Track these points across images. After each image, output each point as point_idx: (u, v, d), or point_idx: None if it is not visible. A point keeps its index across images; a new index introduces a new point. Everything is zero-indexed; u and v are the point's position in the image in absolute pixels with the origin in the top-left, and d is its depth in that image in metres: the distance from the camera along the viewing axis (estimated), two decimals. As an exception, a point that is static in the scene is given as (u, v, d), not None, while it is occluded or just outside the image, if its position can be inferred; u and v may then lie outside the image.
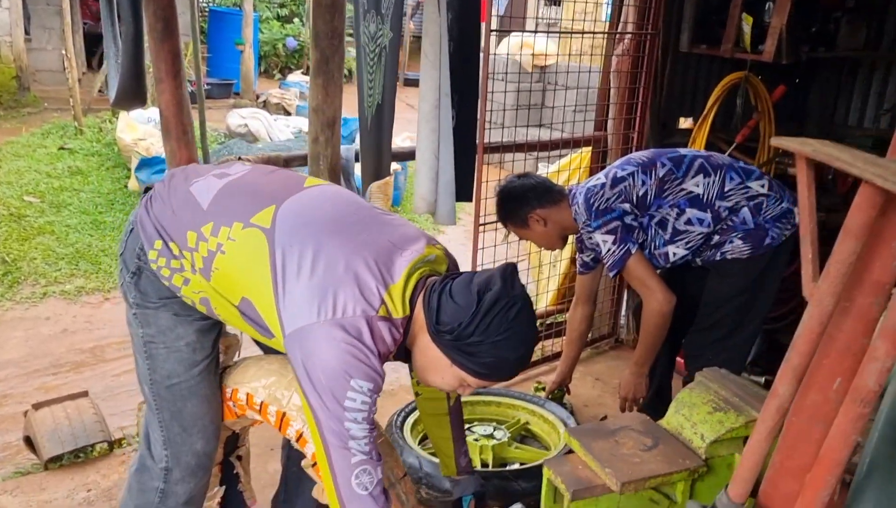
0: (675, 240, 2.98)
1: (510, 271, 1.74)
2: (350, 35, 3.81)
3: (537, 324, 1.84)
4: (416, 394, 2.26)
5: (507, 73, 5.83)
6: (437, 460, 2.90)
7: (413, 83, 11.50)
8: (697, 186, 2.92)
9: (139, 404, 2.87)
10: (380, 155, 3.27)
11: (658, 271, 3.02)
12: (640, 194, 2.95)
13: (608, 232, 2.92)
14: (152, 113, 7.55)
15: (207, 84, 10.99)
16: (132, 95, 2.98)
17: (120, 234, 5.98)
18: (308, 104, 3.17)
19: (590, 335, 4.04)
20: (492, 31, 3.67)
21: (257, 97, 11.51)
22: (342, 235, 1.76)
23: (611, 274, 3.01)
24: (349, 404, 1.64)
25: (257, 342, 2.17)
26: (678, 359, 3.61)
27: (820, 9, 4.22)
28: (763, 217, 2.90)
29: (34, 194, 6.75)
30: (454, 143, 3.30)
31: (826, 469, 1.22)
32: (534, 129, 6.98)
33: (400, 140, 6.21)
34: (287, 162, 3.30)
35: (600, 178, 3.02)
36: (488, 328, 1.68)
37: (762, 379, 3.86)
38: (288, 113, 10.64)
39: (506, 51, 7.73)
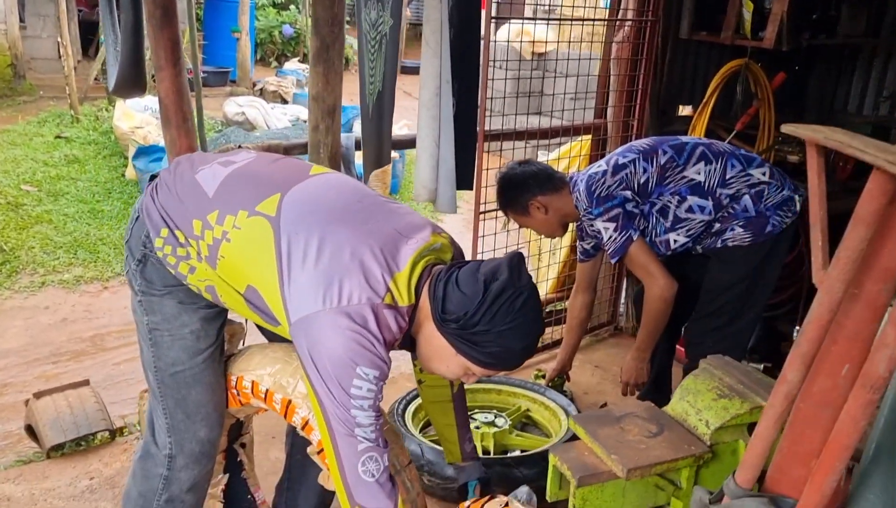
0: (675, 227, 2.98)
1: (517, 260, 1.74)
2: (349, 23, 3.80)
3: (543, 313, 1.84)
4: (419, 382, 2.26)
5: (507, 60, 5.81)
6: (439, 447, 2.92)
7: (410, 71, 11.46)
8: (699, 173, 2.92)
9: (141, 392, 2.87)
10: (381, 143, 3.27)
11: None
12: (642, 181, 2.95)
13: (609, 219, 2.92)
14: (149, 101, 7.52)
15: (204, 72, 10.95)
16: (131, 82, 2.98)
17: (118, 222, 6.00)
18: (308, 92, 3.16)
19: (589, 323, 4.04)
20: (492, 18, 3.65)
21: (254, 85, 11.45)
22: (347, 223, 1.76)
23: (612, 261, 3.01)
24: (355, 391, 1.64)
25: (262, 330, 2.17)
26: (678, 347, 3.63)
27: (821, -5, 4.22)
28: (764, 205, 2.90)
29: (31, 183, 6.73)
30: (455, 130, 3.29)
31: (835, 455, 1.23)
32: (532, 116, 6.96)
33: (398, 128, 6.19)
34: (287, 151, 3.29)
35: (601, 165, 3.02)
36: (494, 317, 1.68)
37: (761, 366, 3.86)
38: (285, 101, 10.60)
39: (503, 38, 7.71)
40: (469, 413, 2.87)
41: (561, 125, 4.10)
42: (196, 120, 3.02)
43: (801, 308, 3.85)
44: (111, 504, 2.86)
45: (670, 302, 2.95)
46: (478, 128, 3.56)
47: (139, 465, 2.15)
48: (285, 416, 2.00)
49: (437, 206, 3.40)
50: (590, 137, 4.32)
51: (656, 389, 3.40)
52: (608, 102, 4.19)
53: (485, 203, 3.73)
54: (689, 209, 2.94)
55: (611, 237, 2.93)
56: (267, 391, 2.00)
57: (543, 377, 3.68)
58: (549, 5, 6.16)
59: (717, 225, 2.95)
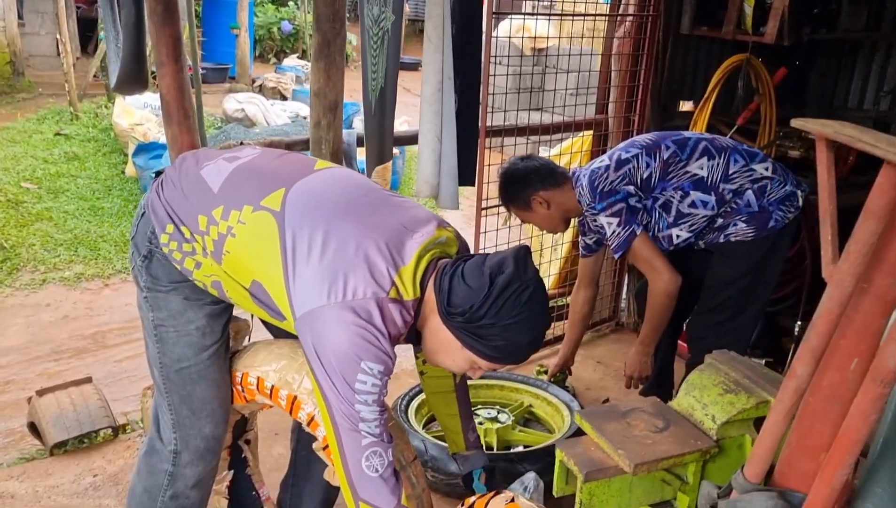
0: (678, 223, 2.98)
1: (523, 253, 1.73)
2: (348, 19, 3.79)
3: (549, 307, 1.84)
4: (422, 373, 2.25)
5: (508, 56, 5.80)
6: (442, 443, 2.92)
7: (408, 67, 11.44)
8: (702, 168, 2.92)
9: (144, 389, 2.88)
10: (383, 139, 3.26)
11: (661, 254, 3.02)
12: (645, 176, 2.95)
13: (613, 214, 2.92)
14: (148, 98, 7.51)
15: (203, 69, 10.93)
16: (133, 79, 2.96)
17: (118, 220, 6.00)
18: (309, 88, 3.16)
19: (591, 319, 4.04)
20: (494, 13, 3.65)
21: (253, 82, 11.44)
22: (353, 217, 1.76)
23: (616, 256, 3.01)
24: (359, 386, 1.64)
25: (267, 327, 2.17)
26: (680, 343, 3.63)
27: (821, -10, 4.22)
28: (767, 200, 2.90)
29: (31, 181, 6.72)
30: (457, 126, 3.29)
31: (845, 449, 1.23)
32: (533, 112, 6.97)
33: (398, 124, 6.18)
34: (289, 147, 3.28)
35: (604, 160, 3.02)
36: (500, 311, 1.67)
37: (762, 361, 3.87)
38: (284, 97, 10.58)
39: (502, 34, 7.71)
40: (472, 409, 2.88)
41: (562, 121, 4.10)
42: (196, 117, 3.02)
43: (802, 303, 3.85)
44: (115, 500, 2.86)
45: (674, 296, 2.95)
46: (479, 124, 3.55)
47: (144, 461, 2.15)
48: (291, 412, 2.00)
49: (439, 202, 3.40)
50: (591, 132, 4.32)
51: (659, 384, 3.40)
52: (609, 97, 4.19)
53: (486, 199, 3.73)
54: (692, 204, 2.94)
55: (614, 232, 2.93)
56: (272, 387, 1.99)
57: (545, 372, 3.68)
58: (550, 1, 6.16)
59: (720, 220, 2.95)
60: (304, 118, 8.30)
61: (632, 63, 4.07)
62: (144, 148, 6.67)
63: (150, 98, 7.65)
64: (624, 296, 4.58)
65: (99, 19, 10.02)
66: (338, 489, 2.07)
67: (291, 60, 12.43)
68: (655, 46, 4.07)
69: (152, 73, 4.13)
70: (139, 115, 7.32)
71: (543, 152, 4.96)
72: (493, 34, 3.56)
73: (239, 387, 2.10)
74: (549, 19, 8.06)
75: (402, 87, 3.26)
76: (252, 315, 2.10)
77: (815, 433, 1.32)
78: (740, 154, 2.95)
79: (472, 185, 3.58)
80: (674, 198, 2.95)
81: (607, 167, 2.96)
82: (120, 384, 3.77)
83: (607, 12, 4.24)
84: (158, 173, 1.97)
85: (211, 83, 10.89)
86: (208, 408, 2.05)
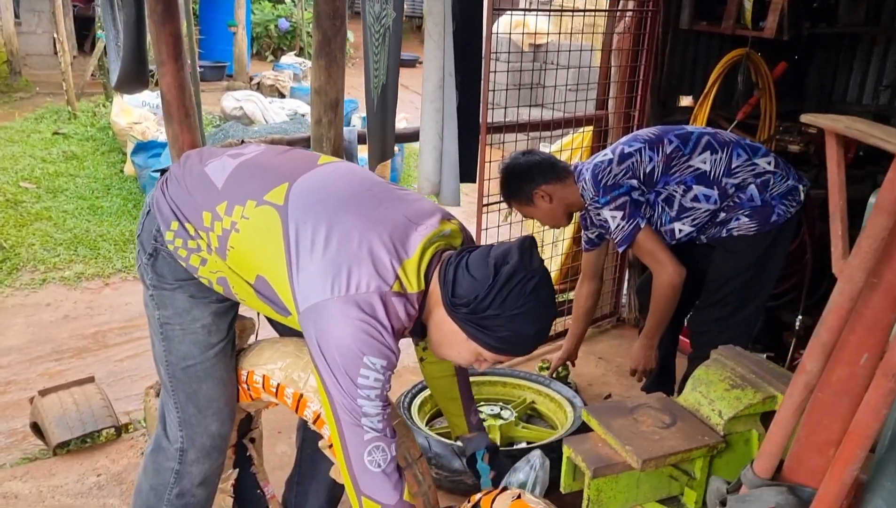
0: (681, 217, 2.98)
1: (528, 243, 1.73)
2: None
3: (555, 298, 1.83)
4: (421, 359, 2.25)
5: (508, 52, 5.80)
6: (446, 440, 2.92)
7: (406, 63, 11.42)
8: (704, 162, 2.92)
9: (146, 388, 2.89)
10: (385, 136, 3.26)
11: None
12: (648, 170, 2.95)
13: (617, 208, 2.91)
14: (147, 96, 7.51)
15: (201, 67, 10.90)
16: (134, 78, 2.96)
17: (117, 219, 5.99)
18: (310, 86, 3.15)
19: (593, 314, 4.04)
20: (494, 9, 3.64)
21: (251, 79, 11.43)
22: (356, 211, 1.75)
23: (620, 249, 3.01)
24: (362, 381, 1.64)
25: (273, 325, 2.17)
26: (682, 338, 3.62)
27: (820, -16, 4.22)
28: (770, 194, 2.90)
29: (30, 180, 6.71)
30: (458, 123, 3.28)
31: (856, 443, 1.23)
32: (531, 108, 6.95)
33: (397, 121, 6.18)
34: (290, 145, 3.28)
35: (607, 154, 3.02)
36: (505, 301, 1.66)
37: (763, 356, 3.87)
38: (282, 95, 10.57)
39: (500, 30, 7.69)
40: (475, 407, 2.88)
41: (563, 117, 4.10)
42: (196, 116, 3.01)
43: (803, 298, 3.86)
44: (119, 500, 2.86)
45: (679, 288, 2.95)
46: (480, 121, 3.55)
47: (150, 459, 2.15)
48: (296, 410, 2.00)
49: (441, 199, 3.40)
50: (591, 128, 4.31)
51: (660, 380, 3.41)
52: (609, 93, 4.19)
53: (487, 196, 3.72)
54: (695, 199, 2.94)
55: (618, 226, 2.92)
56: (278, 385, 1.99)
57: (548, 368, 3.68)
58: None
59: (723, 215, 2.95)
60: (303, 116, 8.29)
61: (631, 58, 4.07)
62: (143, 147, 6.66)
63: (149, 97, 7.64)
64: (625, 292, 4.58)
65: (96, 18, 10.03)
66: (343, 487, 2.08)
67: (289, 58, 12.41)
68: (655, 42, 4.07)
69: (151, 73, 4.12)
70: (137, 113, 7.31)
71: (544, 148, 4.95)
72: (493, 31, 3.56)
73: (244, 385, 2.10)
74: (549, 15, 8.05)
75: (401, 84, 3.25)
76: (258, 314, 2.10)
77: (825, 428, 1.32)
78: (743, 148, 2.95)
79: (474, 182, 3.58)
80: (676, 192, 2.95)
81: (610, 161, 2.96)
82: (122, 384, 3.76)
83: (606, 7, 4.24)
84: (159, 172, 1.97)
85: (208, 81, 10.88)
86: (214, 406, 2.05)
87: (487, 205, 3.78)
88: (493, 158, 3.57)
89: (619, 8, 4.07)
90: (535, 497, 1.95)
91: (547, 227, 3.29)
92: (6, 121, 8.50)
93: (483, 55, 3.40)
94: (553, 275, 4.56)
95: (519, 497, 1.94)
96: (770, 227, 2.91)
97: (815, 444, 1.35)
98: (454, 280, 1.70)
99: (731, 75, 4.13)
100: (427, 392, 3.27)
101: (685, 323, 3.47)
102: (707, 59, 4.34)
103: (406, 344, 1.97)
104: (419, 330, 1.85)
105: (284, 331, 2.13)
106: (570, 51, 4.08)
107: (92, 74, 9.73)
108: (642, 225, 2.91)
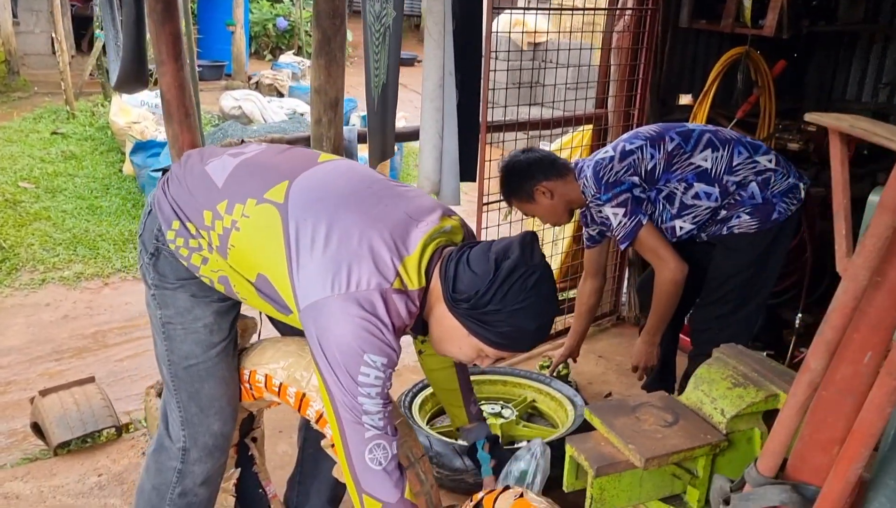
0: (682, 214, 2.98)
1: (530, 238, 1.72)
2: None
3: (557, 294, 1.83)
4: (419, 352, 2.24)
5: (507, 51, 5.80)
6: (447, 439, 2.93)
7: (404, 62, 11.39)
8: (706, 160, 2.92)
9: (147, 388, 2.89)
10: (385, 135, 3.26)
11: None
12: (649, 167, 2.94)
13: (618, 205, 2.91)
14: (145, 96, 7.50)
15: (199, 66, 10.90)
16: (134, 78, 2.96)
17: (116, 218, 5.99)
18: (310, 85, 3.15)
19: (593, 312, 4.04)
20: (494, 8, 3.64)
21: (249, 78, 11.43)
22: (356, 208, 1.75)
23: (622, 247, 3.00)
24: (362, 379, 1.63)
25: (275, 324, 2.17)
26: (682, 336, 3.63)
27: (820, -18, 4.22)
28: (771, 192, 2.90)
29: (29, 180, 6.71)
30: (458, 122, 3.28)
31: (860, 442, 1.22)
32: (531, 107, 6.95)
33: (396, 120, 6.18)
34: (290, 144, 3.28)
35: (608, 151, 3.02)
36: (506, 296, 1.66)
37: (763, 354, 3.87)
38: (281, 94, 10.57)
39: (500, 28, 7.69)
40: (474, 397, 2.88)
41: (563, 115, 4.10)
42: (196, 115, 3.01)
43: (803, 296, 3.86)
44: (120, 500, 2.86)
45: (681, 284, 2.95)
46: (480, 119, 3.55)
47: (153, 458, 2.15)
48: (299, 410, 2.00)
49: (441, 197, 3.40)
50: (591, 126, 4.31)
51: (661, 378, 3.41)
52: (608, 91, 4.19)
53: (487, 194, 3.72)
54: (696, 196, 2.94)
55: (620, 223, 2.92)
56: (280, 384, 1.99)
57: (548, 366, 3.68)
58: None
59: (724, 212, 2.95)
60: (302, 115, 8.29)
61: (631, 57, 4.07)
62: (142, 146, 6.66)
63: (147, 96, 7.64)
64: (625, 290, 4.58)
65: (95, 17, 10.02)
66: (345, 486, 2.07)
67: (287, 57, 12.42)
68: (654, 40, 4.07)
69: (150, 73, 4.12)
70: (136, 113, 7.31)
71: (544, 147, 4.96)
72: (493, 29, 3.55)
73: (247, 385, 2.10)
74: (548, 13, 8.05)
75: (400, 82, 3.25)
76: (260, 313, 2.10)
77: (829, 427, 1.32)
78: (744, 146, 2.95)
79: (474, 180, 3.58)
80: (677, 189, 2.95)
81: (612, 158, 2.96)
82: (122, 384, 3.76)
83: (606, 6, 4.24)
84: (158, 171, 1.97)
85: (207, 80, 10.89)
86: (216, 405, 2.05)
87: (487, 204, 3.78)
88: (493, 157, 3.57)
89: (619, 6, 4.07)
90: (538, 497, 1.95)
91: (547, 225, 3.29)
92: (4, 121, 8.49)
93: (483, 54, 3.40)
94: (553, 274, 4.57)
95: (521, 496, 1.94)
96: (771, 225, 2.91)
97: (818, 442, 1.35)
98: (455, 276, 1.70)
99: (731, 74, 4.14)
100: (428, 391, 3.27)
101: (686, 321, 3.47)
102: (706, 58, 4.34)
103: (406, 343, 1.96)
104: (420, 327, 1.84)
105: (286, 330, 2.13)
106: (569, 49, 4.08)
107: (90, 74, 9.73)
108: (644, 222, 2.91)
